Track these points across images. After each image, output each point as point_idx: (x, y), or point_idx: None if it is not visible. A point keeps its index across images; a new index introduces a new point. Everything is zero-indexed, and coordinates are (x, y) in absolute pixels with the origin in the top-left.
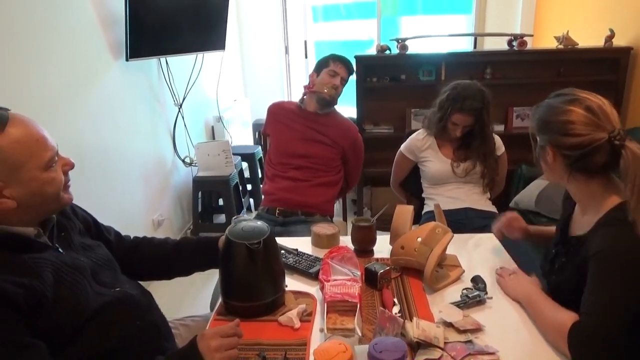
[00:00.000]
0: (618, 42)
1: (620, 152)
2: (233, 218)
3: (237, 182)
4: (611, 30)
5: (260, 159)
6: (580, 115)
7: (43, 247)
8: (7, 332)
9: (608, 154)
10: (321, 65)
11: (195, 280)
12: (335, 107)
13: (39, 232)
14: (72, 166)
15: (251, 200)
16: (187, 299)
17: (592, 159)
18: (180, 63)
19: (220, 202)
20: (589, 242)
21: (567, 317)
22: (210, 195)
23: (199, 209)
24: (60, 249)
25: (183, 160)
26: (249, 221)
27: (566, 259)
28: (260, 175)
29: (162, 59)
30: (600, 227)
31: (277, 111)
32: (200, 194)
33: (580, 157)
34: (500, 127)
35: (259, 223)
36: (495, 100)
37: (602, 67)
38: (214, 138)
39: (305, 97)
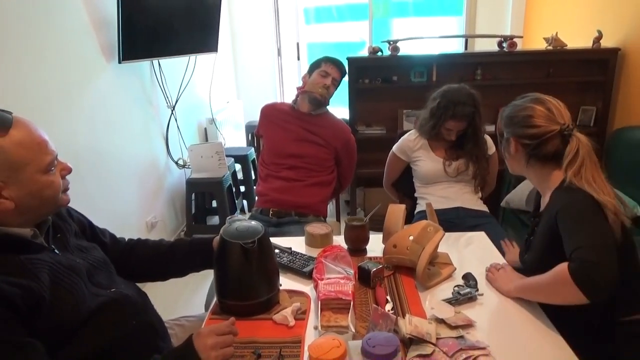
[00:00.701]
0: (606, 43)
1: (568, 141)
2: (227, 218)
3: (230, 183)
4: (599, 32)
5: (253, 161)
6: (539, 111)
7: (39, 248)
8: (5, 331)
9: (559, 143)
10: (313, 66)
11: (189, 281)
12: (328, 108)
13: (35, 233)
14: (69, 171)
15: (244, 201)
16: (181, 300)
17: (545, 147)
18: (173, 65)
19: (214, 203)
20: (548, 211)
21: (559, 268)
22: (203, 197)
23: (193, 211)
24: (56, 250)
25: (176, 162)
26: (243, 221)
27: (533, 236)
28: (253, 177)
29: (155, 61)
30: (553, 197)
31: (270, 112)
32: (193, 195)
33: (536, 146)
34: (490, 128)
35: (253, 223)
36: (486, 101)
37: (590, 68)
38: (207, 140)
39: (298, 98)
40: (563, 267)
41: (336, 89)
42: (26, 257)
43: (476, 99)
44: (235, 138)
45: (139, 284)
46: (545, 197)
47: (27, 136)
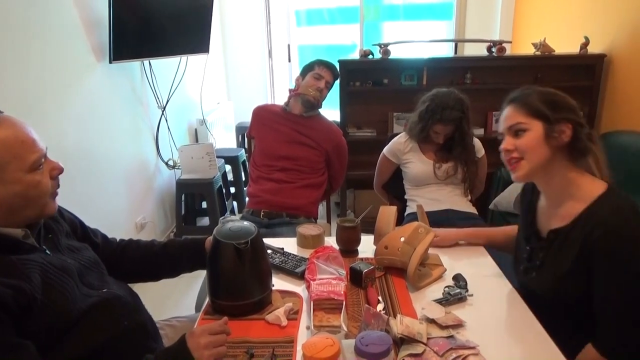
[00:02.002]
0: (593, 49)
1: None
2: (220, 219)
3: (220, 184)
4: (586, 38)
5: (243, 162)
6: (572, 100)
7: (30, 249)
8: None
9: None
10: (307, 69)
11: (179, 282)
12: (320, 110)
13: (26, 234)
14: (60, 170)
15: (234, 203)
16: (171, 301)
17: (586, 137)
18: (164, 66)
19: (204, 204)
20: (586, 227)
21: (589, 353)
22: (193, 198)
23: (182, 212)
24: (47, 251)
25: (166, 163)
26: (236, 221)
27: (548, 252)
28: (243, 178)
29: (146, 62)
30: (596, 207)
31: (262, 114)
32: (183, 196)
33: (582, 136)
34: (479, 131)
35: (246, 223)
36: (475, 105)
37: (577, 73)
38: (197, 141)
39: (290, 100)
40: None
41: (329, 91)
42: (17, 257)
43: (465, 103)
44: (225, 139)
45: (130, 285)
46: (562, 205)
47: (11, 134)
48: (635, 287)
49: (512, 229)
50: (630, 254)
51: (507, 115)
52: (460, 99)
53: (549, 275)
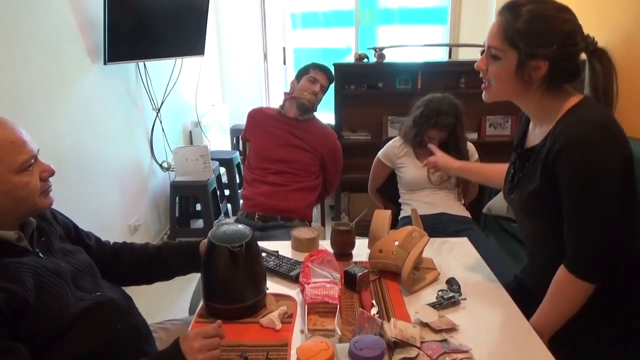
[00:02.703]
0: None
1: (592, 59)
2: (215, 222)
3: (215, 187)
4: None
5: (238, 164)
6: (576, 24)
7: (24, 252)
8: None
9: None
10: (302, 72)
11: (171, 285)
12: (315, 113)
13: (20, 237)
14: (51, 173)
15: (229, 205)
16: (164, 304)
17: (570, 69)
18: (158, 67)
19: (198, 207)
20: (551, 142)
21: (560, 274)
22: (187, 201)
23: (176, 214)
24: (40, 254)
25: (160, 165)
26: (231, 225)
27: (523, 172)
28: (238, 181)
29: (141, 63)
30: (561, 123)
31: (257, 116)
32: (177, 199)
33: (566, 68)
34: (473, 136)
35: (241, 227)
36: (469, 109)
37: None
38: (191, 143)
39: (285, 103)
40: (565, 278)
41: (324, 95)
42: (10, 260)
43: (459, 109)
44: (220, 141)
45: (123, 288)
46: (541, 125)
47: (1, 135)
48: (601, 200)
49: (503, 166)
50: (592, 162)
51: (490, 31)
52: (454, 104)
53: (522, 193)
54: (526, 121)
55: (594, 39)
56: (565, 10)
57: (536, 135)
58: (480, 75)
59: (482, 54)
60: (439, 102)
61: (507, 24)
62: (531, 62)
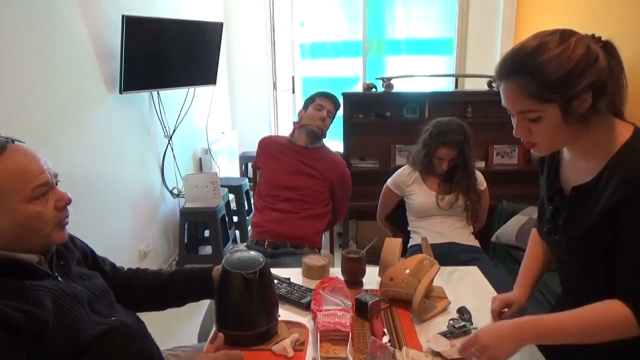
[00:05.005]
0: None
1: (608, 55)
2: (229, 248)
3: (224, 213)
4: None
5: (247, 191)
6: (578, 35)
7: (44, 275)
8: (8, 356)
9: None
10: (308, 101)
11: (180, 312)
12: (324, 141)
13: (40, 260)
14: (67, 202)
15: (237, 232)
16: (173, 330)
17: (607, 79)
18: (171, 96)
19: (206, 233)
20: (610, 179)
21: (613, 306)
22: (196, 227)
23: (185, 240)
24: (59, 278)
25: (171, 192)
26: (244, 251)
27: (570, 211)
28: (246, 208)
29: (154, 92)
30: (620, 160)
31: (268, 144)
32: (186, 225)
33: (605, 81)
34: (481, 164)
35: (254, 253)
36: (476, 138)
37: None
38: (201, 170)
39: (295, 132)
40: (620, 312)
41: (332, 121)
42: (31, 283)
43: (466, 129)
44: (229, 168)
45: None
46: (588, 161)
47: (14, 164)
48: None
49: (538, 252)
50: None
51: (508, 98)
52: (461, 124)
53: (572, 233)
54: (551, 160)
55: (594, 35)
56: (561, 33)
57: (579, 171)
58: (522, 139)
59: (512, 119)
60: (447, 123)
61: (529, 85)
62: (575, 102)
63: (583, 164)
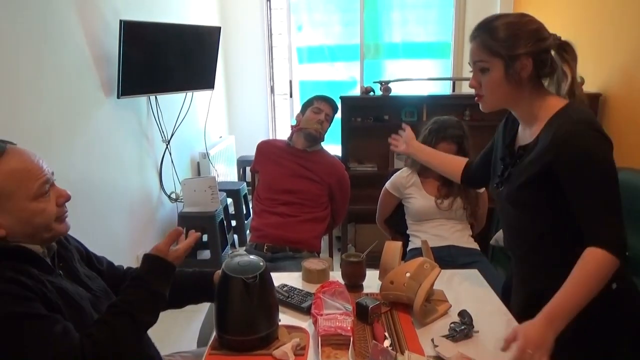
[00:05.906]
0: (588, 88)
1: (561, 52)
2: (229, 253)
3: (222, 218)
4: (581, 78)
5: (245, 195)
6: (538, 22)
7: (50, 270)
8: (31, 308)
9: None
10: (306, 105)
11: (178, 316)
12: (322, 145)
13: (44, 252)
14: (67, 198)
15: (235, 236)
16: (172, 335)
17: (550, 61)
18: (169, 100)
19: (205, 237)
20: (544, 140)
21: (597, 261)
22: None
23: None
24: (62, 277)
25: (169, 196)
26: (244, 256)
27: (514, 167)
28: (245, 212)
29: (152, 97)
30: (551, 123)
31: (267, 148)
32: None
33: (547, 60)
34: None
35: (254, 258)
36: (474, 141)
37: None
38: (199, 174)
39: (293, 135)
40: (601, 258)
41: (330, 124)
42: (40, 273)
43: (464, 126)
44: (227, 173)
45: None
46: (531, 126)
47: (17, 164)
48: (607, 180)
49: (457, 159)
50: (587, 162)
51: (472, 52)
52: (459, 121)
53: (512, 186)
54: (515, 123)
55: (556, 34)
56: (525, 14)
57: (526, 135)
58: (474, 91)
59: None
60: (446, 119)
61: (485, 40)
62: (517, 63)
63: (527, 130)
